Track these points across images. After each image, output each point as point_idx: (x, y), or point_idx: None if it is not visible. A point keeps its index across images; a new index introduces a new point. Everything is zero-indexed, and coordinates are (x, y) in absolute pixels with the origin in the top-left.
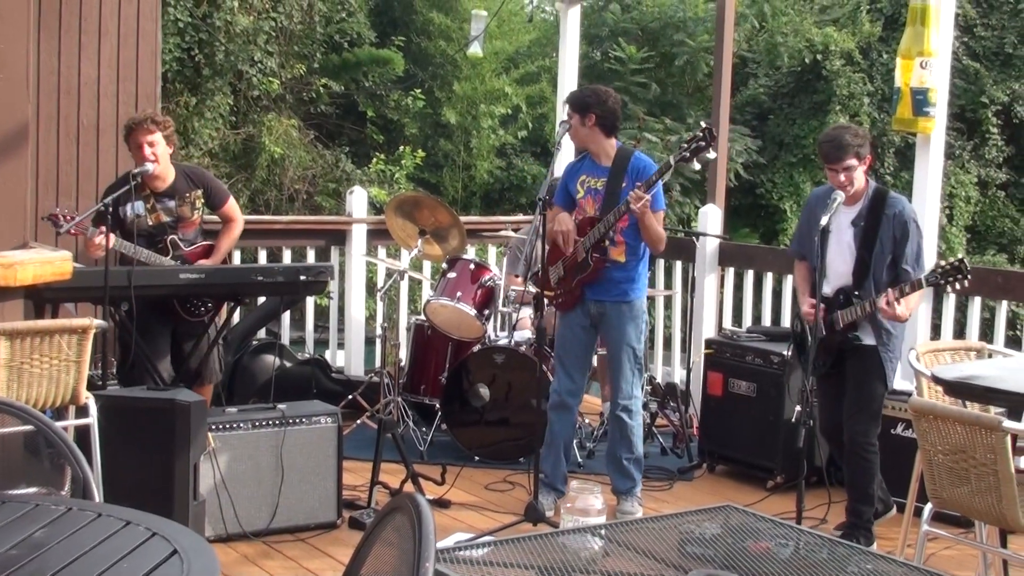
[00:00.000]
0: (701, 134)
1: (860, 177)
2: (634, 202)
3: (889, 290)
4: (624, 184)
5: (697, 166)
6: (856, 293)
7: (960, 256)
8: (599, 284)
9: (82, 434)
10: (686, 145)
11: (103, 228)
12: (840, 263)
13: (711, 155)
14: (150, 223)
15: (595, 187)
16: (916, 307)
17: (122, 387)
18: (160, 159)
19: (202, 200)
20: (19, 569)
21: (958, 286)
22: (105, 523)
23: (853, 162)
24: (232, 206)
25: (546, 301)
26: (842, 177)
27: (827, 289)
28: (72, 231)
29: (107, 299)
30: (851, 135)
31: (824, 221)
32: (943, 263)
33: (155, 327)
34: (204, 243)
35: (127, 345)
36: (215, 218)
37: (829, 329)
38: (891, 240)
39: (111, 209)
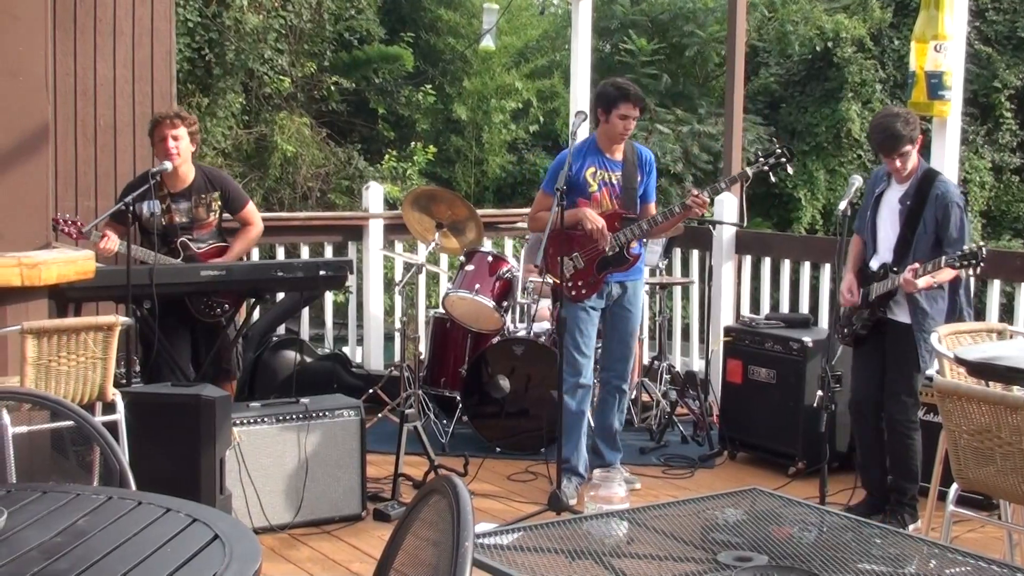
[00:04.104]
0: (781, 150)
1: (913, 157)
2: (700, 207)
3: (916, 264)
4: (640, 178)
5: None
6: (895, 269)
7: (980, 243)
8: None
9: (110, 430)
10: (763, 159)
11: (107, 233)
12: (888, 239)
13: (790, 171)
14: (163, 223)
15: (610, 180)
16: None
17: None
18: (182, 154)
19: (219, 203)
20: (65, 555)
21: (971, 271)
22: (145, 511)
23: (907, 148)
24: (251, 211)
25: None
26: (898, 163)
27: (874, 263)
28: (73, 235)
29: (130, 298)
30: (902, 123)
31: (843, 206)
32: (964, 248)
33: (175, 327)
34: (217, 244)
35: (149, 344)
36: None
37: (864, 300)
38: (933, 221)
39: (131, 208)
